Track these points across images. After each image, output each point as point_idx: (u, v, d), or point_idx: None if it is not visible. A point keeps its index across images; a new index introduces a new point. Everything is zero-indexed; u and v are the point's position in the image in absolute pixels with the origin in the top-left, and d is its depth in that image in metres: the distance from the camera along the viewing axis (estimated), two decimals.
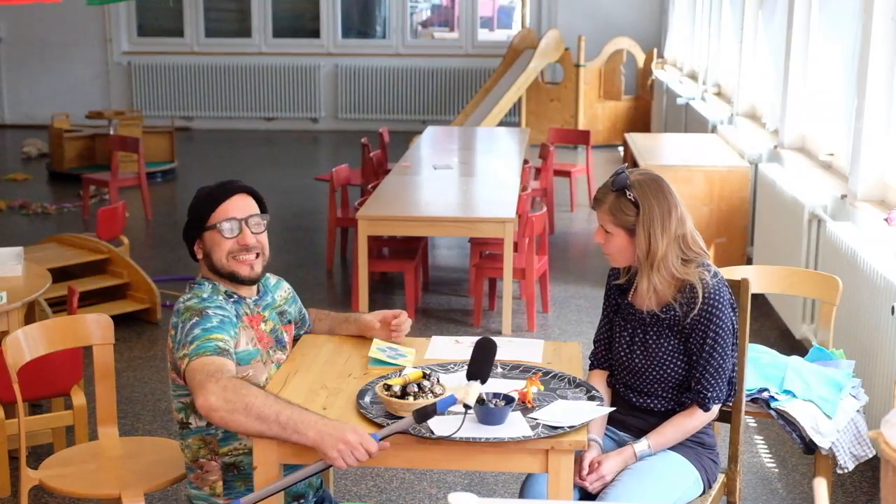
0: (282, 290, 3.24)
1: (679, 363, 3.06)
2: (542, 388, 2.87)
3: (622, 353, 3.15)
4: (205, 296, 2.96)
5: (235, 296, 3.03)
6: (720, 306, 3.00)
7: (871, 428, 3.72)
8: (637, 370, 3.11)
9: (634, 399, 3.14)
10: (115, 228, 6.51)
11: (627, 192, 3.00)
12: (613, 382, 3.21)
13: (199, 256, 3.04)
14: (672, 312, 3.03)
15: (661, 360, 3.06)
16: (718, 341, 3.00)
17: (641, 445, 3.04)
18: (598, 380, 3.22)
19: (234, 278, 3.01)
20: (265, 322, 3.09)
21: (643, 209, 2.98)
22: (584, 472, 2.97)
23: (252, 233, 3.01)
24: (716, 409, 3.08)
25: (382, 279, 7.18)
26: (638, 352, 3.10)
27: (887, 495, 1.89)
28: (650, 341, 3.08)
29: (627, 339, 3.13)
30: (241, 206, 3.02)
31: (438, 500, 4.14)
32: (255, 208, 3.06)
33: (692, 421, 3.07)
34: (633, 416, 3.16)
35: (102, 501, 3.42)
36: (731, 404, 3.20)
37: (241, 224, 3.00)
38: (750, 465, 4.42)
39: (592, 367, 3.27)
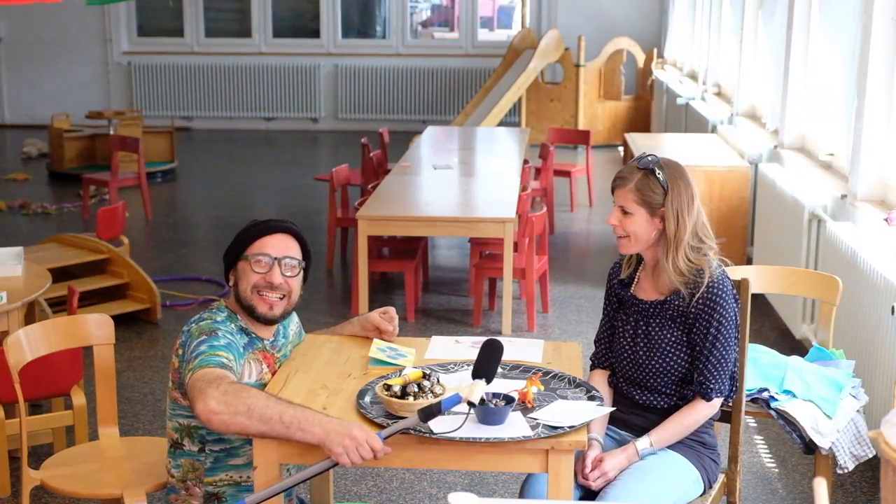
0: (293, 325, 3.23)
1: (682, 354, 3.07)
2: (542, 388, 2.87)
3: (625, 346, 3.15)
4: (219, 320, 2.96)
5: (252, 335, 3.03)
6: (724, 295, 3.02)
7: (871, 428, 3.72)
8: (640, 363, 3.12)
9: (637, 395, 3.14)
10: (115, 228, 6.52)
11: (657, 172, 3.03)
12: (616, 380, 3.22)
13: (231, 283, 3.05)
14: (677, 301, 3.05)
15: (664, 350, 3.07)
16: (721, 331, 3.02)
17: (643, 443, 3.05)
18: (599, 379, 3.23)
19: (251, 312, 3.00)
20: (279, 363, 3.09)
21: (672, 190, 3.02)
22: (588, 469, 2.98)
23: (282, 273, 2.99)
24: (717, 402, 3.07)
25: (382, 279, 7.18)
26: (641, 343, 3.11)
27: (887, 495, 1.89)
28: (653, 332, 3.09)
29: (630, 331, 3.15)
30: (280, 245, 3.01)
31: (438, 500, 4.14)
32: (295, 251, 3.04)
33: (694, 414, 3.07)
34: (635, 415, 3.16)
35: (104, 501, 3.42)
36: (731, 404, 3.21)
37: (273, 262, 2.99)
38: (750, 465, 4.42)
39: (593, 367, 3.28)
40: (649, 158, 3.06)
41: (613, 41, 12.89)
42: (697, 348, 3.05)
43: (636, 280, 3.18)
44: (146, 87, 14.40)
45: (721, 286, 3.02)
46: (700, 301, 3.02)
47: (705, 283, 3.01)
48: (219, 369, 2.75)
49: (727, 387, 3.08)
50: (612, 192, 3.11)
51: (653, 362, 3.09)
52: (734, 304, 3.05)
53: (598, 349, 3.28)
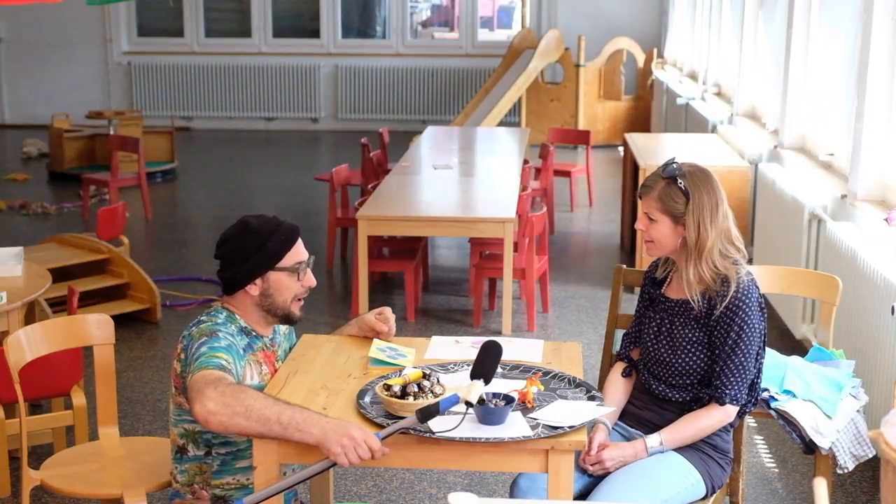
0: (282, 326, 3.22)
1: (702, 355, 3.08)
2: (542, 388, 2.88)
3: (649, 343, 3.18)
4: (219, 322, 2.96)
5: (253, 333, 3.03)
6: (749, 303, 3.02)
7: (871, 428, 3.72)
8: (662, 359, 3.14)
9: (655, 387, 3.15)
10: (115, 228, 6.52)
11: (678, 181, 3.05)
12: (639, 370, 3.24)
13: (254, 293, 2.99)
14: (702, 304, 3.07)
15: (685, 349, 3.09)
16: (743, 337, 3.02)
17: (654, 440, 3.05)
18: (615, 371, 3.29)
19: (288, 320, 3.03)
20: (279, 361, 3.09)
21: (693, 199, 3.05)
22: (594, 450, 3.00)
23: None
24: (732, 410, 3.06)
25: (382, 279, 7.18)
26: (664, 341, 3.14)
27: (887, 495, 1.89)
28: (676, 331, 3.11)
29: (655, 328, 3.18)
30: (303, 248, 3.04)
31: (438, 500, 4.14)
32: None
33: (708, 419, 3.06)
34: (649, 410, 3.17)
35: (104, 501, 3.42)
36: (749, 412, 3.20)
37: (306, 266, 3.03)
38: (750, 465, 4.42)
39: (616, 358, 3.35)
40: (673, 167, 3.09)
41: (613, 41, 12.89)
42: (717, 352, 3.05)
43: (668, 280, 3.21)
44: (146, 87, 14.40)
45: (747, 295, 3.03)
46: (724, 307, 3.02)
47: (731, 291, 3.02)
48: (217, 371, 2.75)
49: (744, 395, 3.07)
50: (639, 198, 3.16)
51: (674, 359, 3.11)
52: (759, 315, 3.06)
53: (623, 341, 3.33)
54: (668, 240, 3.09)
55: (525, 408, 2.77)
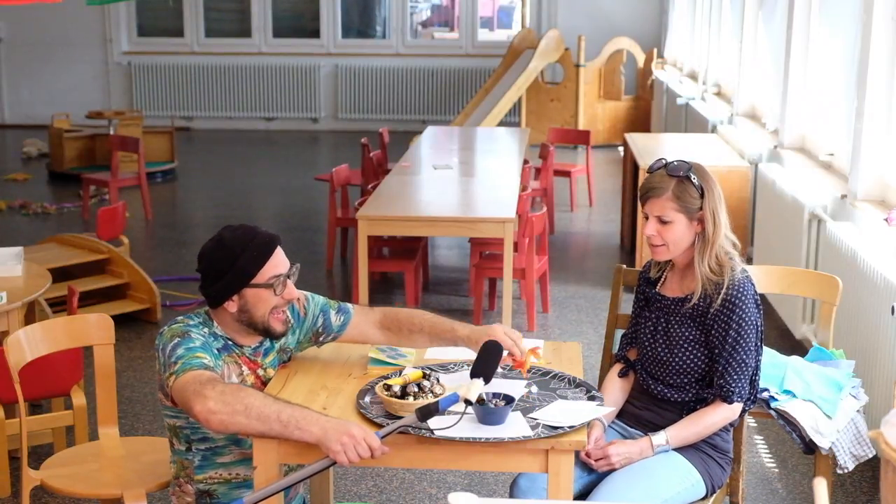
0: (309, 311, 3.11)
1: (700, 354, 3.07)
2: (540, 359, 2.91)
3: (646, 343, 3.18)
4: (191, 323, 2.92)
5: (231, 342, 2.97)
6: (744, 299, 3.02)
7: (871, 428, 3.72)
8: (659, 359, 3.13)
9: (653, 387, 3.15)
10: (115, 228, 6.52)
11: (692, 177, 3.02)
12: (637, 371, 3.23)
13: (233, 309, 2.91)
14: (698, 301, 3.05)
15: (682, 348, 3.08)
16: (742, 334, 3.01)
17: (660, 438, 3.04)
18: (613, 371, 3.29)
19: (267, 333, 2.95)
20: (264, 369, 3.03)
21: (707, 191, 3.04)
22: (591, 445, 3.00)
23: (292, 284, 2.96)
24: (738, 406, 3.06)
25: (382, 279, 7.18)
26: (661, 340, 3.13)
27: (887, 495, 1.89)
28: (672, 330, 3.10)
29: (651, 328, 3.17)
30: (282, 259, 2.93)
31: (438, 500, 4.14)
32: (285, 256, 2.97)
33: (714, 416, 3.06)
34: (648, 410, 3.17)
35: (104, 501, 3.42)
36: (750, 410, 3.19)
37: (285, 279, 2.93)
38: (750, 465, 4.42)
39: (614, 360, 3.34)
40: (676, 164, 3.05)
41: (613, 41, 12.89)
42: (717, 350, 3.04)
43: (663, 279, 3.20)
44: (146, 87, 14.40)
45: (742, 290, 3.02)
46: (720, 304, 3.02)
47: (725, 286, 3.02)
48: (207, 371, 2.74)
49: (748, 391, 3.08)
50: (643, 203, 3.07)
51: (671, 359, 3.10)
52: (755, 309, 3.05)
53: (621, 343, 3.32)
54: (684, 239, 3.05)
55: (525, 407, 2.77)
